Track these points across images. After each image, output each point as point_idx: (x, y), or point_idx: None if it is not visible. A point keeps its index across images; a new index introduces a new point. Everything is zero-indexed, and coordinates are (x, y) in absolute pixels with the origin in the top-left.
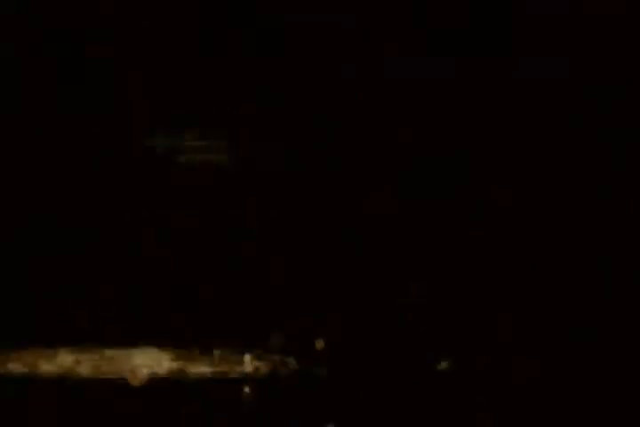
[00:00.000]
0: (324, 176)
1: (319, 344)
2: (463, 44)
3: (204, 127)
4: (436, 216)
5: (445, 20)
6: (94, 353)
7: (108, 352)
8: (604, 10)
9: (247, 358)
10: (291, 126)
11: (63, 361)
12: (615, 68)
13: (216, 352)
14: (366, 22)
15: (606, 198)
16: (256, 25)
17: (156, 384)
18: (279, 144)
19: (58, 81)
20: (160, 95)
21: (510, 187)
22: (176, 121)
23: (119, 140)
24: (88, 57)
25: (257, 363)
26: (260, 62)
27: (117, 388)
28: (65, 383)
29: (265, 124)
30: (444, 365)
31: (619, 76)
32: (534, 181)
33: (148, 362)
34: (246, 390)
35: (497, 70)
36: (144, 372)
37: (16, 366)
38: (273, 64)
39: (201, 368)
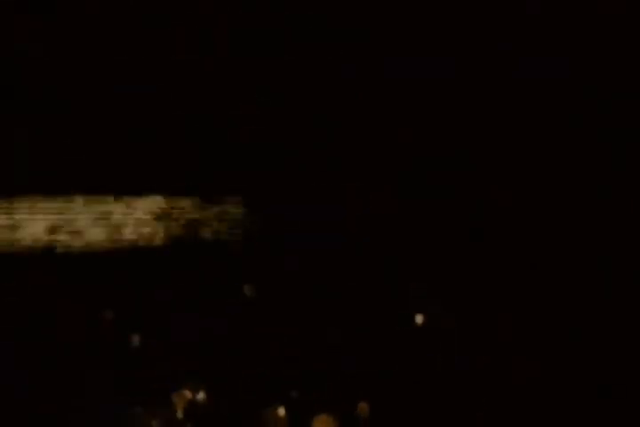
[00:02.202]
0: (324, 176)
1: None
2: (463, 44)
3: None
4: (436, 216)
5: (445, 20)
6: None
7: None
8: (604, 10)
9: None
10: (291, 126)
11: None
12: (615, 68)
13: None
14: (366, 22)
15: (606, 198)
16: (257, 25)
17: None
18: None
19: None
20: None
21: (510, 187)
22: None
23: None
24: None
25: None
26: (261, 62)
27: None
28: None
29: (265, 124)
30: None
31: (619, 76)
32: (534, 181)
33: None
34: None
35: (497, 70)
36: None
37: None
38: (273, 64)
39: None
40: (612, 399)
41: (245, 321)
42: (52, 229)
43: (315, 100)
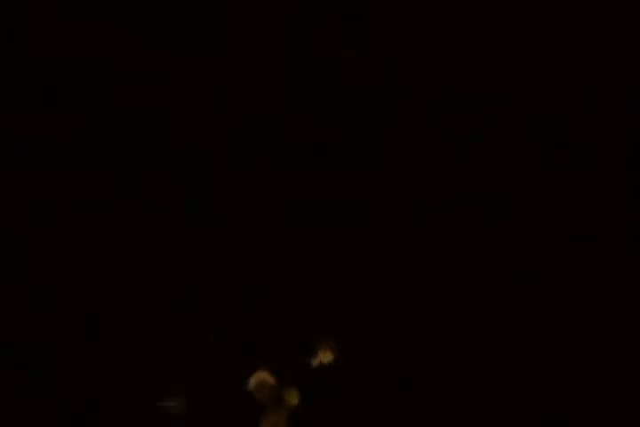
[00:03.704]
0: (324, 176)
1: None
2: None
3: None
4: (435, 216)
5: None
6: None
7: None
8: (603, 10)
9: None
10: (291, 126)
11: None
12: (615, 68)
13: None
14: (367, 22)
15: (607, 198)
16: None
17: None
18: (279, 144)
19: None
20: None
21: (510, 187)
22: None
23: None
24: None
25: None
26: (260, 62)
27: None
28: None
29: (264, 123)
30: None
31: (619, 76)
32: (534, 181)
33: None
34: None
35: (495, 70)
36: None
37: None
38: (273, 64)
39: None
40: (612, 399)
41: (245, 320)
42: None
43: (315, 100)
